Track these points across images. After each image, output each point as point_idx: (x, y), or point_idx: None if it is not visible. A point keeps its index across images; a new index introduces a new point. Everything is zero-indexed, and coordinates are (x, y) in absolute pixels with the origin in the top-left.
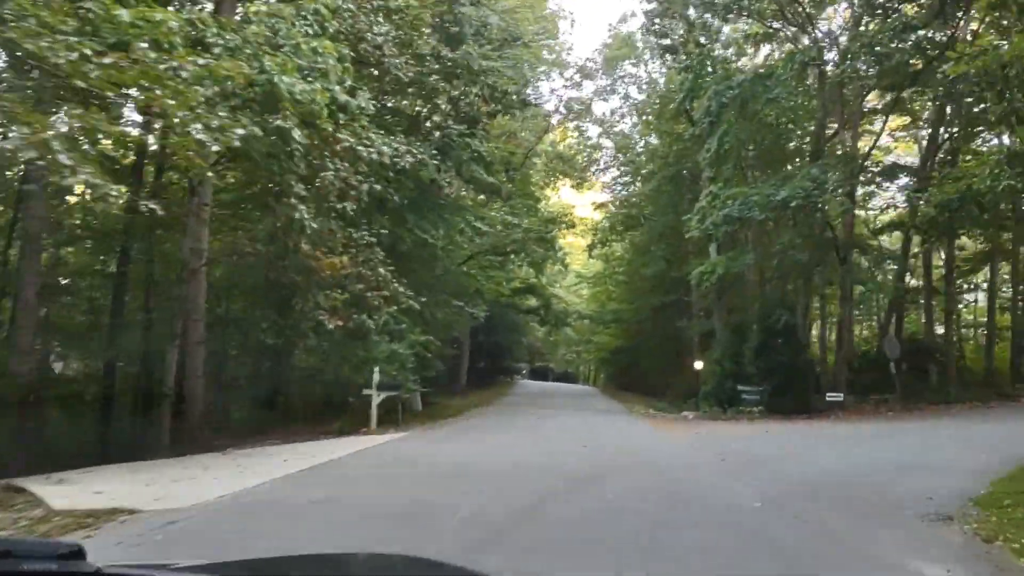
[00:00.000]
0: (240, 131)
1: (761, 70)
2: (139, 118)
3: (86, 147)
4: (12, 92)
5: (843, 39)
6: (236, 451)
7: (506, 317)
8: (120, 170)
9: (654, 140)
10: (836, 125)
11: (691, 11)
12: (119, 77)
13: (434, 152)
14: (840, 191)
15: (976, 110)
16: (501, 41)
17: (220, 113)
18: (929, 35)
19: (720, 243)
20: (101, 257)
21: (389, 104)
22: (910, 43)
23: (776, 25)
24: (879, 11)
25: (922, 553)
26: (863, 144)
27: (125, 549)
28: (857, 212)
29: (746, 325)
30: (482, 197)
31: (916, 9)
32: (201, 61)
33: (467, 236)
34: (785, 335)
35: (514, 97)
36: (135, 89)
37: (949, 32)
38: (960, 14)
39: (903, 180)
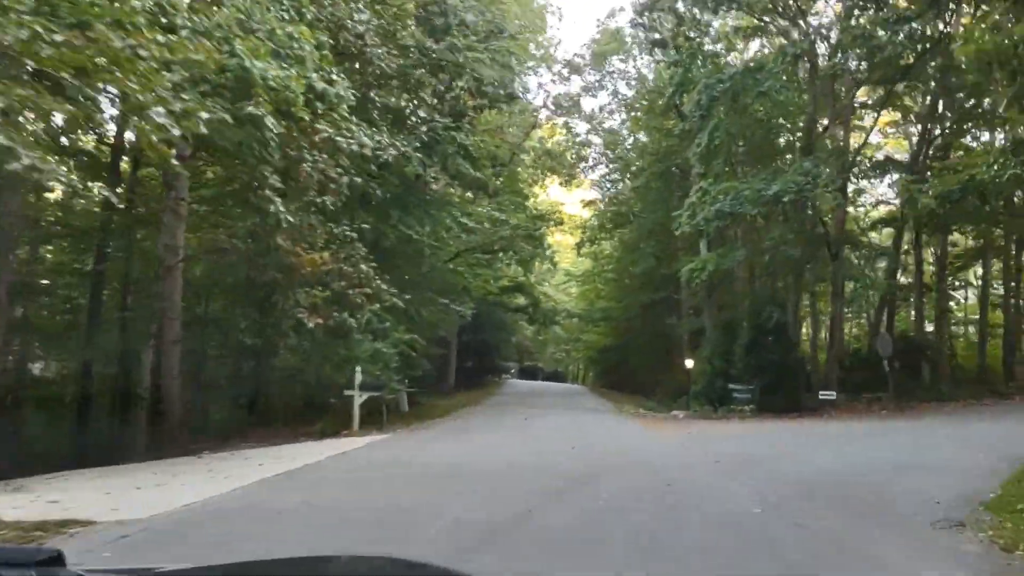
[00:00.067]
0: (204, 115)
1: (752, 64)
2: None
3: (41, 133)
4: None
5: (834, 32)
6: (212, 454)
7: (494, 316)
8: (98, 166)
9: (643, 137)
10: (827, 120)
11: (680, 4)
12: (74, 58)
13: (417, 145)
14: (832, 185)
15: (968, 104)
16: (487, 33)
17: (184, 96)
18: (922, 29)
19: (710, 239)
20: (78, 255)
21: (373, 97)
22: (903, 35)
23: (767, 18)
24: (871, 3)
25: (939, 565)
26: (854, 139)
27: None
28: (848, 209)
29: (736, 323)
30: (469, 194)
31: (907, 2)
32: (161, 39)
33: (453, 233)
34: (776, 333)
35: (501, 92)
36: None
37: (942, 24)
38: (952, 6)
39: (896, 176)
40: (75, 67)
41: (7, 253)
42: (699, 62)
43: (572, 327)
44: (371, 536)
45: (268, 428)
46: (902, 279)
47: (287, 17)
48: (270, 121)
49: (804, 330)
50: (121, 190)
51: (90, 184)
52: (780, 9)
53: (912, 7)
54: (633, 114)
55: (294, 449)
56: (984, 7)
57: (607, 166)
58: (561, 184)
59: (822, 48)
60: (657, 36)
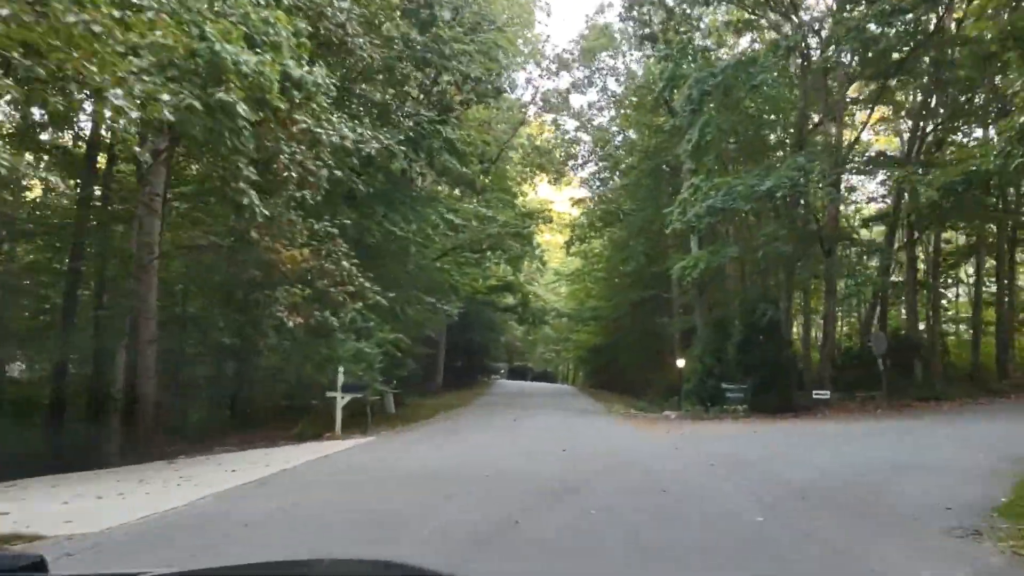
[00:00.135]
0: (166, 97)
1: (744, 57)
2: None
3: None
4: None
5: (827, 26)
6: (186, 459)
7: (483, 315)
8: (74, 163)
9: (633, 134)
10: (819, 116)
11: None
12: (22, 34)
13: (401, 138)
14: (826, 181)
15: (963, 99)
16: (473, 24)
17: (145, 78)
18: (916, 22)
19: (701, 237)
20: (54, 254)
21: (357, 91)
22: (897, 28)
23: (758, 12)
24: None
25: None
26: (846, 135)
27: None
28: (841, 206)
29: (728, 321)
30: (457, 192)
31: None
32: (117, 13)
33: (441, 231)
34: (769, 331)
35: (488, 86)
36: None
37: (935, 17)
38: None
39: (889, 172)
40: (25, 45)
41: None
42: (689, 57)
43: (562, 327)
44: (346, 551)
45: (249, 430)
46: (894, 277)
47: (263, 2)
48: (242, 108)
49: (795, 329)
50: (99, 188)
51: (66, 180)
52: (772, 3)
53: (905, 0)
54: (623, 111)
55: (272, 453)
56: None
57: (596, 164)
58: (550, 182)
59: (814, 42)
60: (647, 31)
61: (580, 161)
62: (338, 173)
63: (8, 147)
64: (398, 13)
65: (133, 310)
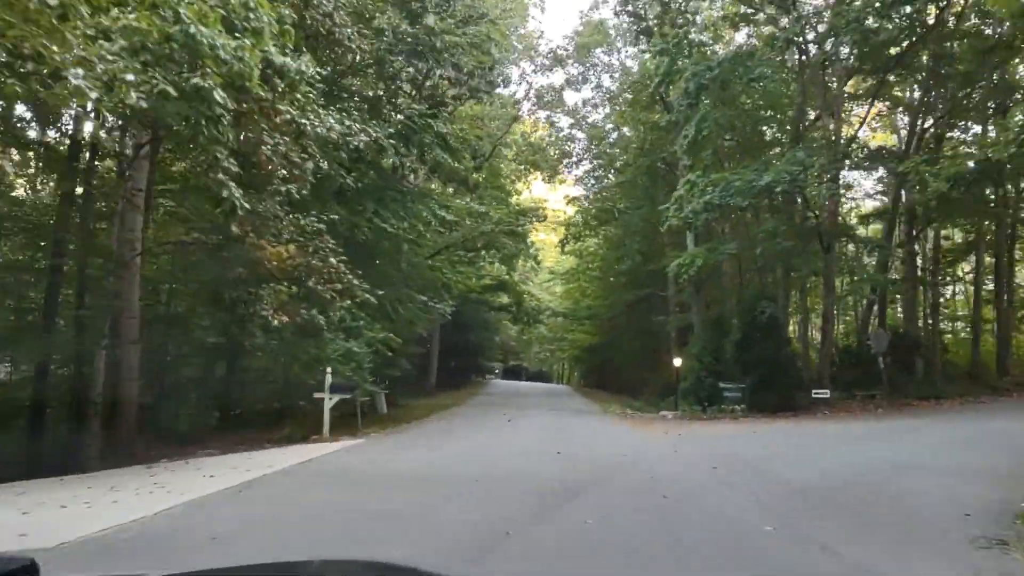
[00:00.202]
0: (131, 77)
1: (742, 50)
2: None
3: None
4: None
5: (826, 18)
6: (167, 463)
7: (477, 315)
8: (57, 159)
9: (628, 131)
10: (817, 111)
11: None
12: None
13: (391, 132)
14: (826, 175)
15: (961, 94)
16: (464, 17)
17: (109, 57)
18: (915, 15)
19: (697, 234)
20: (33, 252)
21: (345, 84)
22: (897, 20)
23: (755, 5)
24: None
25: None
26: (844, 131)
27: None
28: (840, 202)
29: (725, 319)
30: (451, 190)
31: None
32: None
33: (433, 228)
34: (768, 328)
35: (481, 80)
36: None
37: (935, 10)
38: None
39: (889, 167)
40: None
41: None
42: (686, 52)
43: (556, 326)
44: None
45: (237, 433)
46: (892, 274)
47: None
48: (219, 95)
49: (791, 327)
50: (80, 186)
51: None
52: None
53: None
54: (617, 107)
55: (255, 457)
56: None
57: (591, 162)
58: (545, 181)
59: (812, 36)
60: (643, 25)
61: (575, 159)
62: (324, 165)
63: None
64: (388, 4)
65: (114, 309)
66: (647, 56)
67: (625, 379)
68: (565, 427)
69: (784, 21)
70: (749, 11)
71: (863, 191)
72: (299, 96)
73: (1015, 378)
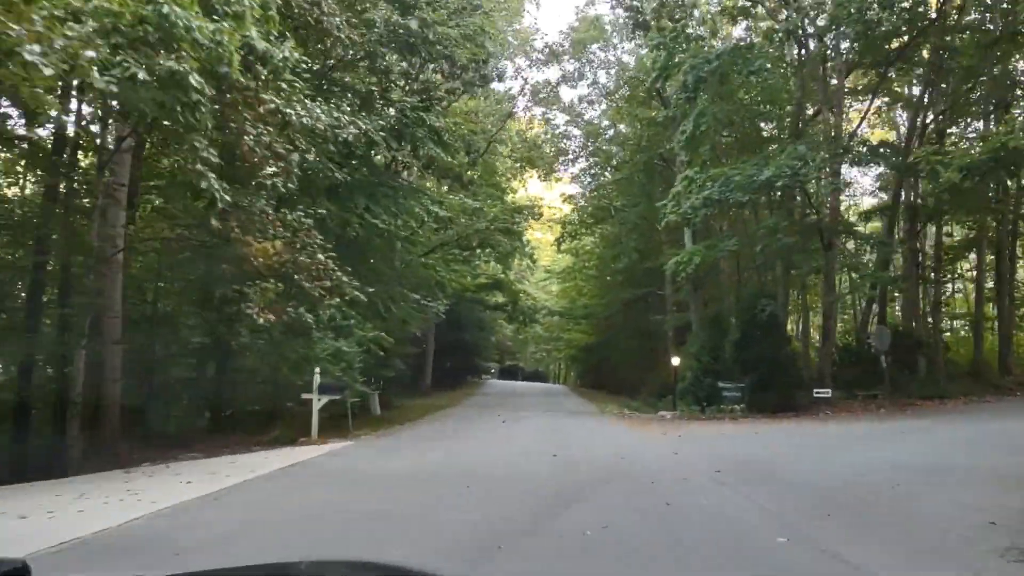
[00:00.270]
0: (91, 54)
1: (741, 43)
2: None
3: None
4: None
5: (826, 10)
6: (149, 466)
7: (472, 314)
8: (40, 154)
9: (624, 128)
10: (816, 106)
11: None
12: None
13: (381, 124)
14: (826, 170)
15: (964, 88)
16: (457, 8)
17: (69, 33)
18: (916, 8)
19: (695, 231)
20: (15, 250)
21: (338, 78)
22: (899, 12)
23: None
24: None
25: None
26: (844, 127)
27: None
28: (840, 198)
29: (723, 317)
30: (445, 189)
31: None
32: None
33: (427, 224)
34: (768, 326)
35: (475, 74)
36: None
37: (938, 3)
38: None
39: (893, 160)
40: None
41: None
42: (683, 46)
43: (553, 325)
44: None
45: (224, 435)
46: (893, 272)
47: None
48: (195, 80)
49: (790, 326)
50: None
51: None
52: None
53: None
54: (614, 104)
55: (239, 461)
56: None
57: (587, 160)
58: (540, 179)
59: (812, 29)
60: (639, 18)
61: (571, 156)
62: (310, 158)
63: None
64: None
65: (96, 308)
66: (644, 51)
67: (622, 379)
68: (562, 428)
69: (783, 15)
70: (747, 4)
71: (861, 189)
72: (284, 85)
73: (1017, 377)
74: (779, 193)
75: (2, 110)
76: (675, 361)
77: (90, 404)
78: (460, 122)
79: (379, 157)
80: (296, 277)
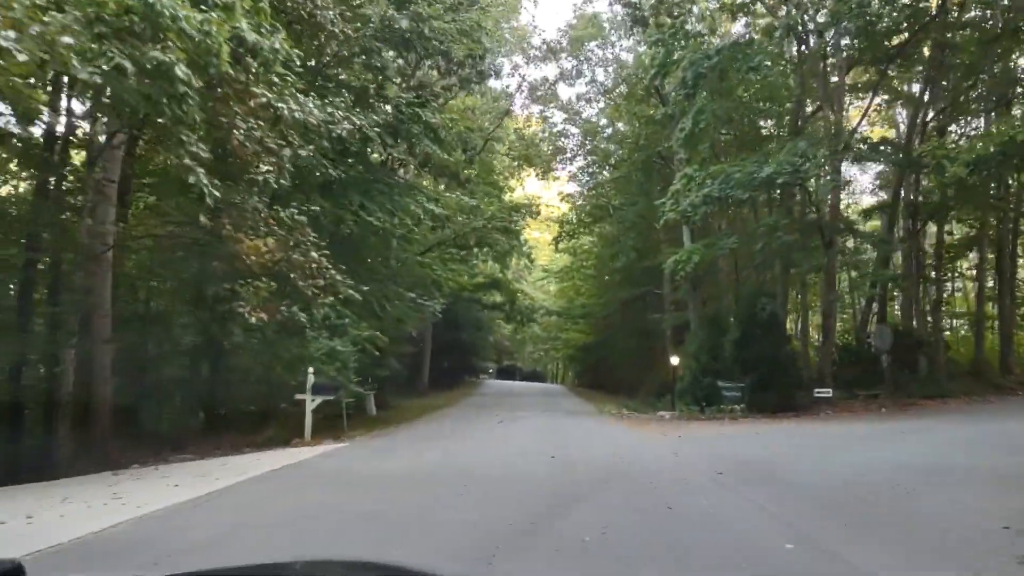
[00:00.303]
0: (67, 40)
1: (741, 40)
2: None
3: None
4: None
5: (827, 5)
6: (136, 469)
7: (470, 313)
8: (33, 151)
9: (622, 126)
10: (816, 104)
11: None
12: None
13: (375, 119)
14: (829, 167)
15: (965, 85)
16: (454, 3)
17: (46, 19)
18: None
19: (694, 230)
20: (9, 249)
21: (333, 74)
22: (899, 8)
23: None
24: None
25: None
26: (845, 124)
27: None
28: (840, 196)
29: (722, 316)
30: (442, 188)
31: None
32: None
33: (424, 222)
34: (768, 325)
35: (472, 70)
36: None
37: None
38: None
39: (885, 165)
40: None
41: None
42: (681, 43)
43: (551, 325)
44: None
45: (218, 435)
46: (893, 270)
47: None
48: (182, 71)
49: (788, 325)
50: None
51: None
52: None
53: None
54: (611, 102)
55: (231, 462)
56: None
57: (585, 158)
58: (538, 177)
59: (812, 25)
60: (637, 12)
61: (569, 155)
62: (302, 153)
63: None
64: None
65: (86, 306)
66: (643, 48)
67: (620, 378)
68: (560, 428)
69: (783, 10)
70: (747, 0)
71: (860, 187)
72: (275, 79)
73: (1018, 376)
74: (778, 192)
75: None
76: (674, 360)
77: (80, 404)
78: (456, 118)
79: (375, 155)
80: (292, 276)
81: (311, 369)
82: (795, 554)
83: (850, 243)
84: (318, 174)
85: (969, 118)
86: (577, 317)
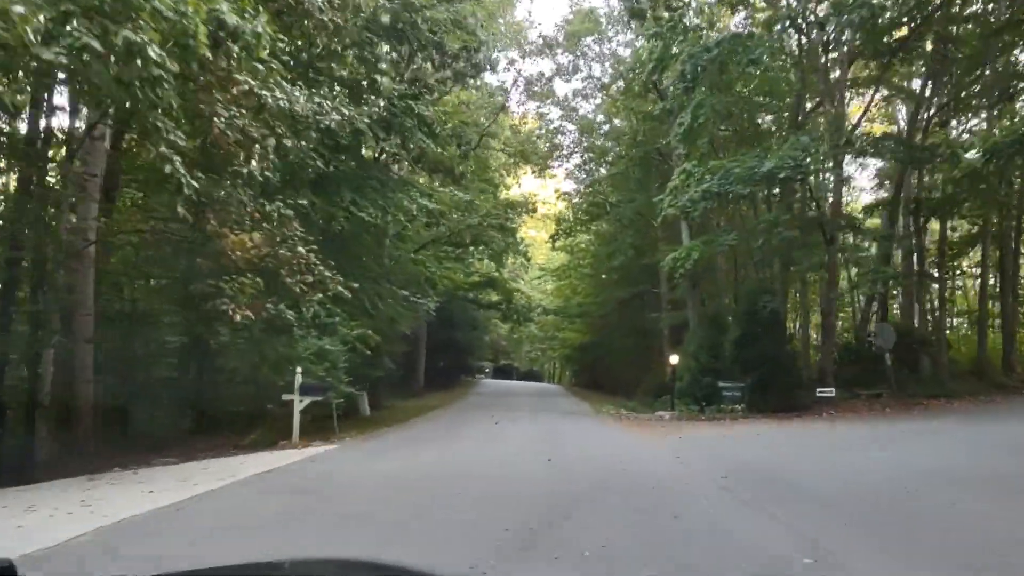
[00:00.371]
0: (19, 9)
1: (742, 32)
2: None
3: None
4: None
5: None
6: (116, 473)
7: (466, 313)
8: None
9: (619, 123)
10: (817, 98)
11: None
12: None
13: (366, 110)
14: (830, 160)
15: (968, 79)
16: None
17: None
18: None
19: (692, 227)
20: None
21: (324, 67)
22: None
23: None
24: None
25: None
26: (847, 120)
27: None
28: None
29: (722, 315)
30: (438, 185)
31: None
32: None
33: (418, 219)
34: (769, 324)
35: (466, 64)
36: None
37: None
38: None
39: (886, 161)
40: None
41: None
42: (680, 36)
43: (547, 324)
44: None
45: (205, 437)
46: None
47: None
48: (155, 52)
49: (787, 324)
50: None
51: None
52: None
53: None
54: (608, 96)
55: (212, 466)
56: None
57: (581, 156)
58: (535, 175)
59: (813, 18)
60: (635, 4)
61: (565, 152)
62: (288, 143)
63: None
64: None
65: (68, 304)
66: (640, 43)
67: (618, 378)
68: (557, 430)
69: (783, 1)
70: None
71: (860, 186)
72: (260, 66)
73: (1021, 375)
74: (777, 189)
75: None
76: (673, 359)
77: (62, 405)
78: (449, 111)
79: (368, 152)
80: (281, 272)
81: (299, 369)
82: (816, 571)
83: (851, 240)
84: (309, 169)
85: (970, 115)
86: (574, 316)
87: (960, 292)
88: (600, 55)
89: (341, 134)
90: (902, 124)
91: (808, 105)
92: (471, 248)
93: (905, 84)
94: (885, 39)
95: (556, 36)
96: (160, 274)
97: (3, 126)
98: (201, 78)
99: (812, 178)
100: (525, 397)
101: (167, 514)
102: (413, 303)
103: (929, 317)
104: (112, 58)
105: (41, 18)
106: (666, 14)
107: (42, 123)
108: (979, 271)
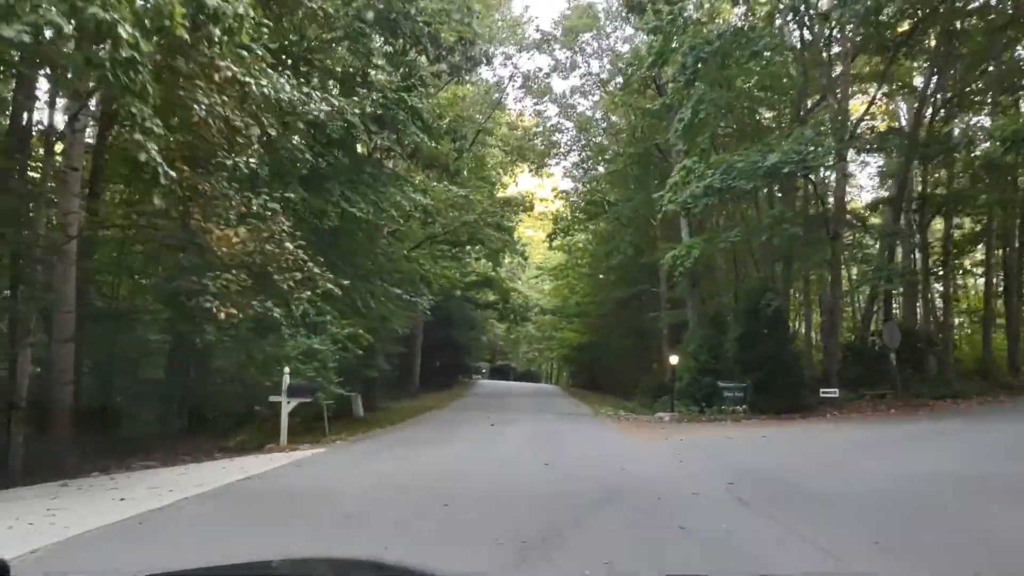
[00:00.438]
0: None
1: (744, 25)
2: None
3: None
4: None
5: None
6: (93, 478)
7: (462, 312)
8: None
9: (617, 120)
10: (820, 94)
11: None
12: None
13: (357, 101)
14: (835, 154)
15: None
16: None
17: None
18: None
19: (692, 225)
20: None
21: (316, 59)
22: None
23: None
24: None
25: None
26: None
27: None
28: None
29: (722, 315)
30: (434, 183)
31: None
32: None
33: (413, 216)
34: (772, 323)
35: (461, 57)
36: None
37: None
38: None
39: (889, 157)
40: None
41: None
42: (680, 30)
43: (545, 324)
44: None
45: (191, 440)
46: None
47: None
48: (126, 31)
49: (789, 323)
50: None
51: None
52: None
53: None
54: (606, 93)
55: (192, 471)
56: None
57: (579, 154)
58: (532, 173)
59: (814, 12)
60: (634, 0)
61: (563, 150)
62: (273, 132)
63: None
64: None
65: (45, 303)
66: (640, 37)
67: (616, 379)
68: (554, 432)
69: None
70: None
71: (860, 185)
72: (244, 52)
73: None
74: (778, 185)
75: None
76: (673, 359)
77: (41, 408)
78: (445, 106)
79: (361, 148)
80: (269, 268)
81: (287, 369)
82: None
83: (855, 237)
84: (299, 164)
85: (973, 112)
86: (572, 316)
87: (963, 291)
88: (598, 51)
89: (331, 127)
90: (903, 122)
91: (809, 102)
92: (467, 247)
93: (911, 79)
94: (888, 33)
95: (554, 32)
96: (145, 271)
97: None
98: (180, 60)
99: (813, 176)
100: (522, 398)
101: (127, 528)
102: (407, 301)
103: (932, 317)
104: (80, 38)
105: None
106: (666, 7)
107: (25, 117)
108: (983, 270)
